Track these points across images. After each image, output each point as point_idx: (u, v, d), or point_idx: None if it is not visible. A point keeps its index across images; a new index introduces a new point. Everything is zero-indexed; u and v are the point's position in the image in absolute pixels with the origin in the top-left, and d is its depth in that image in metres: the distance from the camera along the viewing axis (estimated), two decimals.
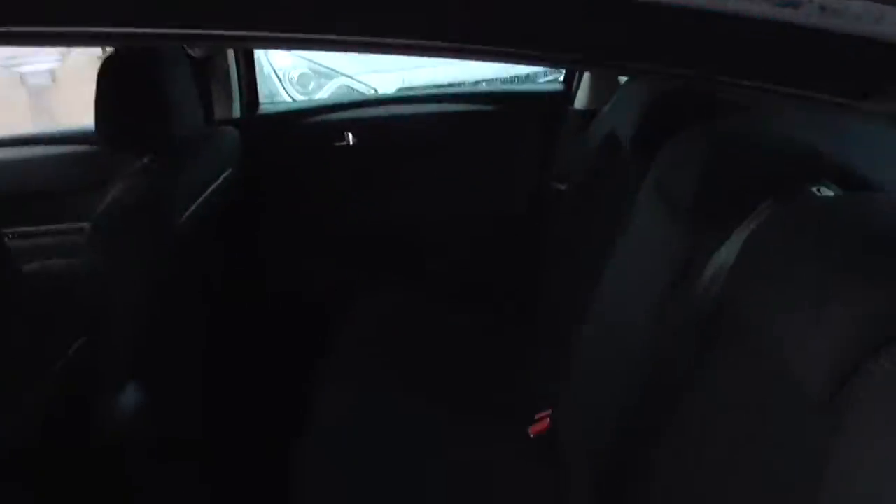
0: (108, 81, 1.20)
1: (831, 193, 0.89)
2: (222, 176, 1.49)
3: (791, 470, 0.68)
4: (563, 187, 1.75)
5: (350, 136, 1.83)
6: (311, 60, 2.75)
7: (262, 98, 1.82)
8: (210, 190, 1.41)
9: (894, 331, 0.61)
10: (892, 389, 0.59)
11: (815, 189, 0.91)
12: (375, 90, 2.66)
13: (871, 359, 0.61)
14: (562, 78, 1.89)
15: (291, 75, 2.75)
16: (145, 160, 1.29)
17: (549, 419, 1.39)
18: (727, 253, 0.90)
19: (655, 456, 0.96)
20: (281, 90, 2.72)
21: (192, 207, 1.33)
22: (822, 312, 0.67)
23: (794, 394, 0.70)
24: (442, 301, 1.81)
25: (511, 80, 2.63)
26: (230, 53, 1.69)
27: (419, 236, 1.93)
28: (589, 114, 1.78)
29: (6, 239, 1.07)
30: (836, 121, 1.04)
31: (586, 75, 1.79)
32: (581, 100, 1.81)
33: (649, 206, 1.19)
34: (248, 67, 1.74)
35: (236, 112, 1.75)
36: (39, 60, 3.79)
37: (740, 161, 1.00)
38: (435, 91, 2.13)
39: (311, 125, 1.83)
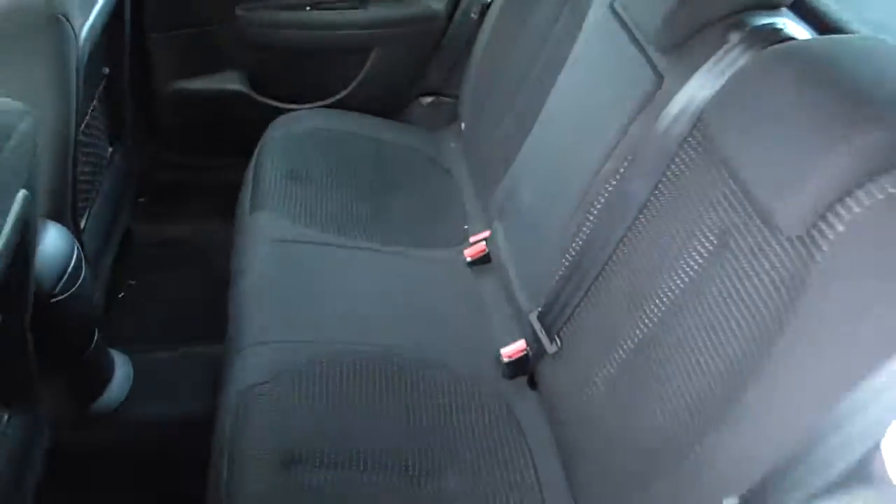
0: None
1: (799, 30, 0.91)
2: None
3: (756, 293, 0.77)
4: None
5: None
6: None
7: None
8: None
9: (873, 174, 0.67)
10: (867, 226, 0.67)
11: (780, 24, 0.93)
12: None
13: (850, 197, 0.68)
14: None
15: None
16: None
17: (484, 242, 1.44)
18: (698, 87, 0.92)
19: (606, 275, 1.04)
20: None
21: (91, 19, 1.14)
22: (804, 154, 0.72)
23: (766, 225, 0.77)
24: (365, 119, 1.74)
25: None
26: None
27: (338, 45, 1.79)
28: None
29: None
30: None
31: None
32: None
33: (604, 28, 1.17)
34: None
35: None
36: None
37: None
38: None
39: None
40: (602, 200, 1.06)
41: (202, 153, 1.89)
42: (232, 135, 1.79)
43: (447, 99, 1.89)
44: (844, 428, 0.60)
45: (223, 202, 1.65)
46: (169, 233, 1.84)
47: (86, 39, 1.10)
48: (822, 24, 0.97)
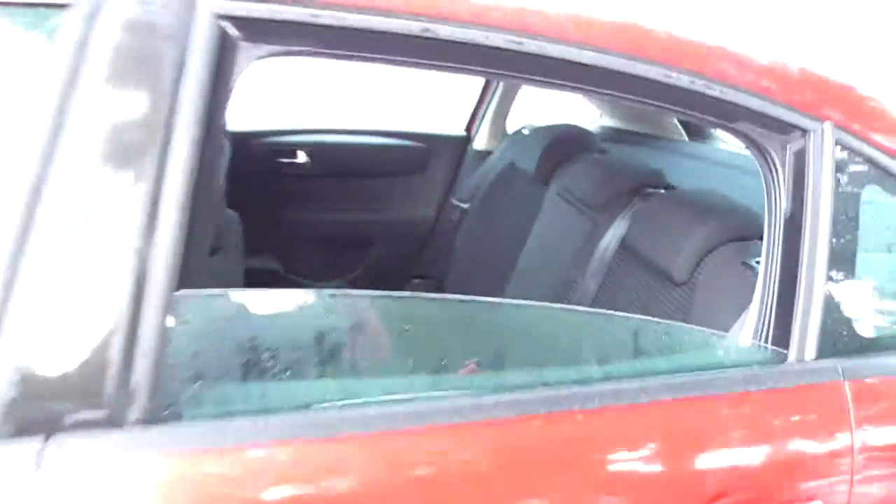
0: None
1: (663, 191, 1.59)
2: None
3: (670, 318, 1.30)
4: (465, 206, 2.34)
5: (301, 154, 2.26)
6: None
7: None
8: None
9: (718, 243, 1.26)
10: (719, 273, 1.24)
11: (657, 190, 1.60)
12: None
13: (705, 258, 1.26)
14: (464, 126, 2.50)
15: None
16: None
17: (475, 363, 1.91)
18: (619, 226, 1.54)
19: None
20: None
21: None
22: (683, 238, 1.31)
23: (668, 282, 1.33)
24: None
25: None
26: None
27: (351, 239, 2.39)
28: (485, 153, 2.41)
29: None
30: (656, 153, 1.77)
31: (484, 125, 2.43)
32: (479, 142, 2.44)
33: (553, 207, 1.82)
34: None
35: None
36: None
37: (616, 177, 1.67)
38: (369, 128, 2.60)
39: (269, 143, 2.24)
40: (567, 301, 1.60)
41: None
42: None
43: (432, 280, 2.47)
44: None
45: None
46: None
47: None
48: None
